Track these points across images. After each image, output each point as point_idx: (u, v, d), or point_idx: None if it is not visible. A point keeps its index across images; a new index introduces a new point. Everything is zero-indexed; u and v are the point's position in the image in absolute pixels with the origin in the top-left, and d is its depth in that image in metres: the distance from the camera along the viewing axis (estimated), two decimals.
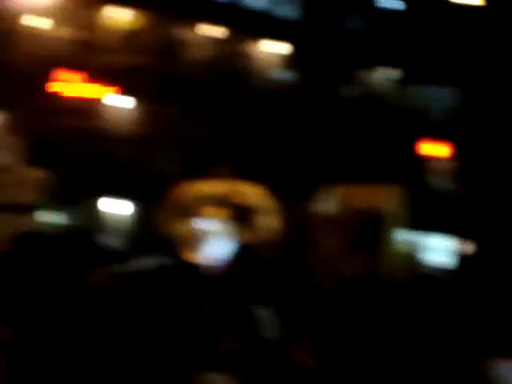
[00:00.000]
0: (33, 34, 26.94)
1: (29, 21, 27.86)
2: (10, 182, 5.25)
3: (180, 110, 31.16)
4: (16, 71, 24.82)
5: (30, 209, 5.05)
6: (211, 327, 3.38)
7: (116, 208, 30.66)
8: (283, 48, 34.01)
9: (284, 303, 5.83)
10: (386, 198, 4.66)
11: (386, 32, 35.54)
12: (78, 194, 29.03)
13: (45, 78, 26.15)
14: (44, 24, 28.69)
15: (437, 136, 34.07)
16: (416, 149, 33.91)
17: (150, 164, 31.38)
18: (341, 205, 4.59)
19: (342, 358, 3.73)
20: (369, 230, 4.43)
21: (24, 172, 5.31)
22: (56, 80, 29.47)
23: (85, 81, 30.14)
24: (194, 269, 4.45)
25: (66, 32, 30.02)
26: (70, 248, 4.47)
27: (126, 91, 30.86)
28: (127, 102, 31.25)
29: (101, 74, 30.01)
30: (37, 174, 5.40)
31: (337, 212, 4.58)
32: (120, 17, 31.17)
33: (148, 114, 30.97)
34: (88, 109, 30.16)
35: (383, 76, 36.59)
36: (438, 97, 37.80)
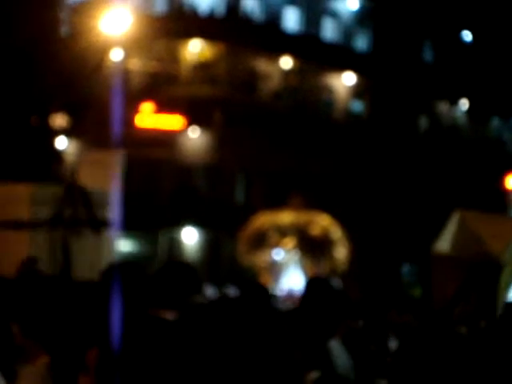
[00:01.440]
0: (116, 67, 27.45)
1: (113, 55, 28.43)
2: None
3: (256, 140, 31.36)
4: (101, 103, 25.30)
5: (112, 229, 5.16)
6: (289, 362, 3.40)
7: (193, 237, 30.94)
8: (357, 79, 33.97)
9: (358, 339, 5.76)
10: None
11: (461, 63, 35.19)
12: (157, 222, 29.33)
13: (128, 110, 26.64)
14: (126, 58, 29.26)
15: None
16: (497, 182, 33.34)
17: (227, 194, 31.60)
18: (460, 246, 4.51)
19: None
20: (486, 275, 4.32)
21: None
22: (139, 112, 29.98)
23: (165, 112, 30.61)
24: (272, 300, 4.45)
25: (148, 65, 30.57)
26: (154, 278, 4.54)
27: (204, 122, 31.21)
28: (205, 133, 31.62)
29: (178, 106, 30.43)
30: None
31: (455, 253, 4.51)
32: (197, 49, 31.60)
33: (225, 144, 31.25)
34: (168, 139, 30.58)
35: (462, 108, 36.23)
36: None
